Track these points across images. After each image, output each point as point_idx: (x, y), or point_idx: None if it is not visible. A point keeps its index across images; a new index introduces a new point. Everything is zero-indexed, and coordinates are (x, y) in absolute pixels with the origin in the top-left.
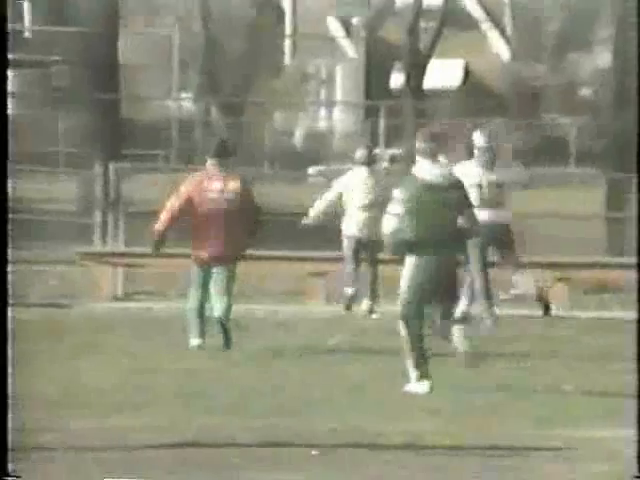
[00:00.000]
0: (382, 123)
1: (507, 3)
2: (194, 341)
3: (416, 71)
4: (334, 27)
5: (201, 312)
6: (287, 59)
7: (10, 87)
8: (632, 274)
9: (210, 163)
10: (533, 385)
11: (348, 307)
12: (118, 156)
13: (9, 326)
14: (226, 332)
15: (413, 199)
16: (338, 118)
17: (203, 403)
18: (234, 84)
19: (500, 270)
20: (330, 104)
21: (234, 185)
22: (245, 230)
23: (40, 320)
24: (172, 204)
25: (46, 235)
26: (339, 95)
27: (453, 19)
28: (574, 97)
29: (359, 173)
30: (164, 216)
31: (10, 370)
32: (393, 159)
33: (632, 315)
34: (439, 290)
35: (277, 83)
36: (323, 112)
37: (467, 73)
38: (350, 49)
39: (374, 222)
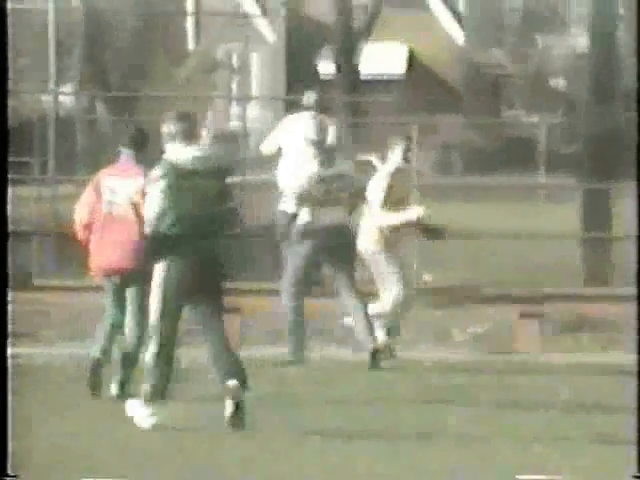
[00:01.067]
0: None
1: None
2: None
3: (349, 57)
4: (247, 3)
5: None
6: (190, 43)
7: None
8: (617, 308)
9: (123, 156)
10: (497, 445)
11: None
12: None
13: None
14: (126, 375)
15: (170, 182)
16: (254, 116)
17: None
18: (125, 74)
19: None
20: (244, 98)
21: (138, 183)
22: None
23: None
24: (78, 214)
25: None
26: (255, 88)
27: None
28: (543, 89)
29: (307, 118)
30: (78, 232)
31: None
32: None
33: (617, 359)
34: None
35: (178, 73)
36: (235, 108)
37: (412, 60)
38: (268, 30)
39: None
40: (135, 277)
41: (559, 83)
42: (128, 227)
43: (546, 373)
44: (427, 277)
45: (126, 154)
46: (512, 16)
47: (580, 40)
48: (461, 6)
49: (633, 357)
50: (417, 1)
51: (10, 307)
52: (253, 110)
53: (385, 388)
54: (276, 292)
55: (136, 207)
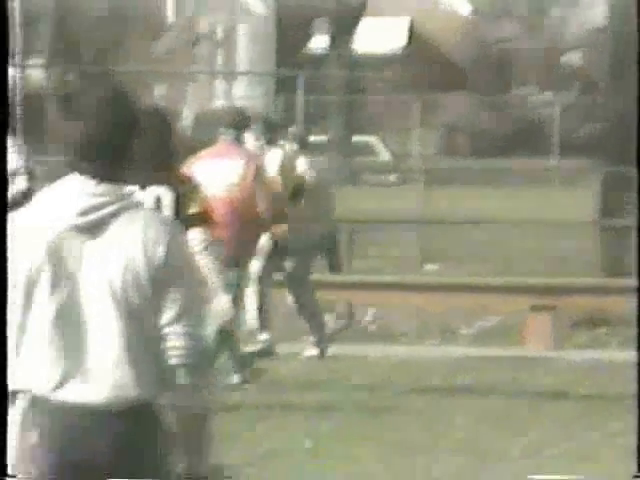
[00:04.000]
0: (300, 100)
1: None
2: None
3: (345, 31)
4: None
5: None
6: (171, 15)
7: None
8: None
9: (223, 137)
10: (501, 454)
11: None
12: None
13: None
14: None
15: None
16: (241, 93)
17: None
18: (99, 47)
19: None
20: (230, 74)
21: (240, 164)
22: (259, 225)
23: None
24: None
25: None
26: (242, 63)
27: None
28: (557, 65)
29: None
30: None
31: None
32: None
33: (634, 356)
34: None
35: (158, 47)
36: (221, 85)
37: (413, 34)
38: (256, 2)
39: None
40: (235, 264)
41: (573, 58)
42: (227, 211)
43: (558, 371)
44: (430, 267)
45: (226, 135)
46: None
47: (594, 12)
48: None
49: None
50: None
51: None
52: (240, 87)
53: (380, 385)
54: None
55: (239, 189)
